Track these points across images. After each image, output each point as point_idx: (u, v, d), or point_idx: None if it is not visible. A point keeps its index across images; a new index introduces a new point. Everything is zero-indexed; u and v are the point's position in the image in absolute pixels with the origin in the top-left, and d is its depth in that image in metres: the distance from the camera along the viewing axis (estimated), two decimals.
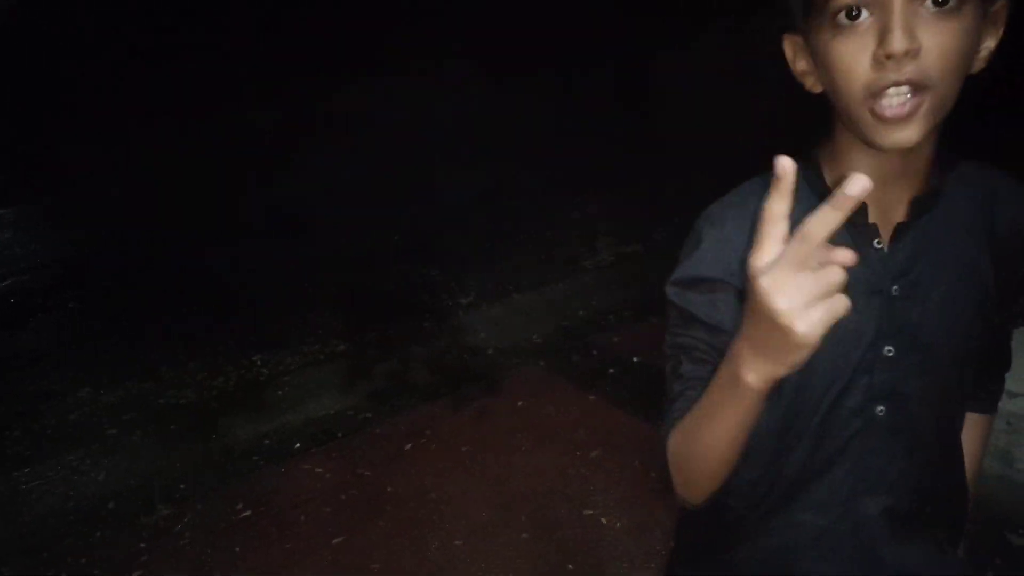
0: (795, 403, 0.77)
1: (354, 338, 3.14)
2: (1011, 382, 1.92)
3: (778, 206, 0.57)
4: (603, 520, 2.06)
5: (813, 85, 0.73)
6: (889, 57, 0.61)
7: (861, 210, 0.73)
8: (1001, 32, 0.69)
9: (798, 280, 0.55)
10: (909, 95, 0.63)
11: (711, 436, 0.70)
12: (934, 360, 0.76)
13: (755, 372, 0.61)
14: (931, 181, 0.74)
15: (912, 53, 0.61)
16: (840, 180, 0.71)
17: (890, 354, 0.75)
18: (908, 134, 0.65)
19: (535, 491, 2.18)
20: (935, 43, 0.62)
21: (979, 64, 0.68)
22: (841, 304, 0.55)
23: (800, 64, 0.73)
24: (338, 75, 6.69)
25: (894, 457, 0.78)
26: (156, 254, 4.17)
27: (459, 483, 2.25)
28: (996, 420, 1.90)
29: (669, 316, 0.79)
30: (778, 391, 0.73)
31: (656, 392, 0.84)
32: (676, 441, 0.75)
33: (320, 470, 2.39)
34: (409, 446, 2.44)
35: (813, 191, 0.75)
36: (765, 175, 0.77)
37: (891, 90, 0.63)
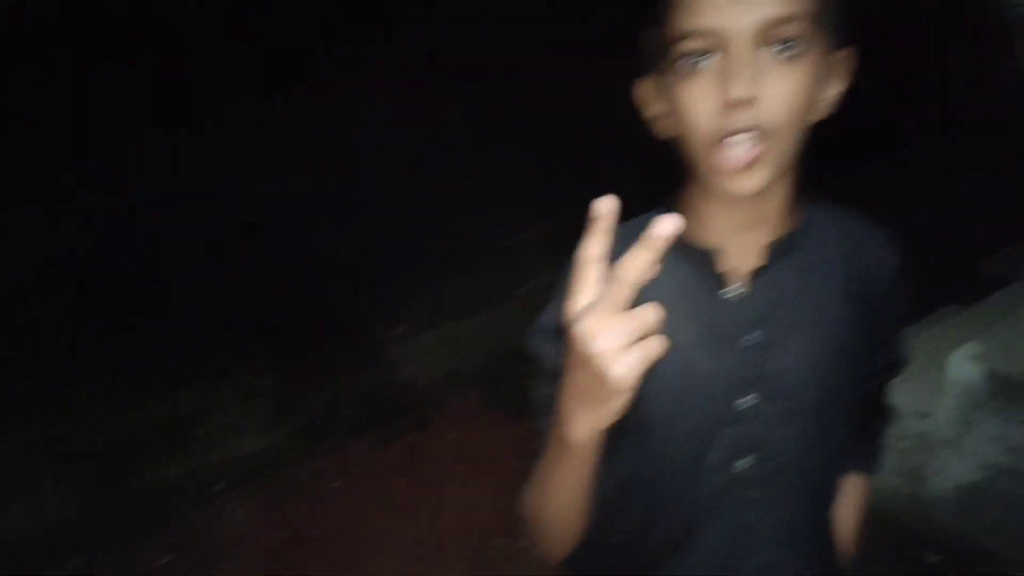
0: (661, 457, 0.75)
1: (281, 372, 3.05)
2: (921, 402, 1.99)
3: (592, 249, 0.55)
4: None
5: (663, 132, 0.72)
6: (732, 103, 0.61)
7: (714, 257, 0.72)
8: (846, 79, 0.69)
9: (613, 323, 0.53)
10: (752, 142, 0.62)
11: (553, 494, 0.70)
12: (798, 410, 0.74)
13: (578, 426, 0.60)
14: (787, 227, 0.73)
15: (753, 100, 0.61)
16: (695, 227, 0.73)
17: (753, 404, 0.73)
18: (751, 182, 0.64)
19: (469, 526, 2.14)
20: (777, 90, 0.62)
21: (823, 111, 0.68)
22: (657, 346, 0.54)
23: (652, 109, 0.72)
24: (262, 96, 6.58)
25: (766, 510, 0.76)
26: (67, 280, 3.98)
27: (390, 521, 2.19)
28: (907, 440, 1.97)
29: (532, 367, 0.78)
30: (617, 445, 0.71)
31: None
32: (527, 498, 0.75)
33: (245, 511, 2.30)
34: (338, 483, 2.38)
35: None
36: (642, 218, 0.76)
37: (733, 137, 0.63)
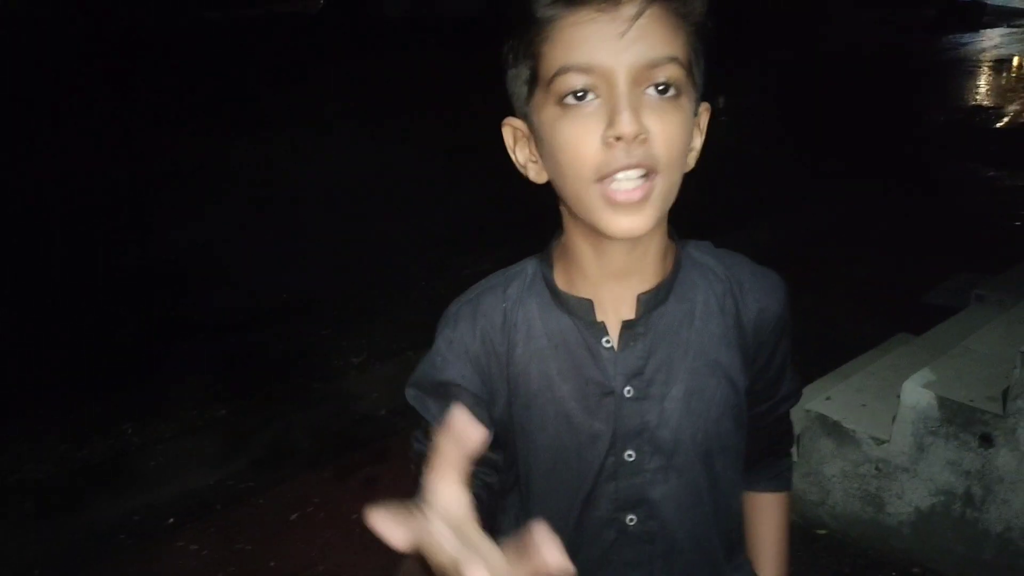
0: (546, 510, 0.73)
1: (235, 403, 2.97)
2: (877, 429, 2.03)
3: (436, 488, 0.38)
4: None
5: (537, 175, 0.70)
6: (619, 139, 0.60)
7: (589, 307, 0.71)
8: (703, 136, 0.70)
9: None
10: (639, 179, 0.61)
11: None
12: (679, 463, 0.72)
13: None
14: (660, 275, 0.72)
15: (641, 137, 0.60)
16: (573, 276, 0.71)
17: (631, 459, 0.72)
18: (640, 220, 0.63)
19: None
20: (660, 128, 0.61)
21: (689, 163, 0.68)
22: None
23: (522, 153, 0.70)
24: (218, 131, 6.52)
25: (653, 569, 0.74)
26: (11, 311, 3.83)
27: (348, 555, 2.13)
28: (866, 466, 2.00)
29: (420, 409, 0.75)
30: (504, 503, 0.72)
31: None
32: None
33: (196, 546, 2.21)
34: (294, 516, 2.30)
35: (547, 287, 0.73)
36: (508, 269, 0.77)
37: (621, 174, 0.61)
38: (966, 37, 12.57)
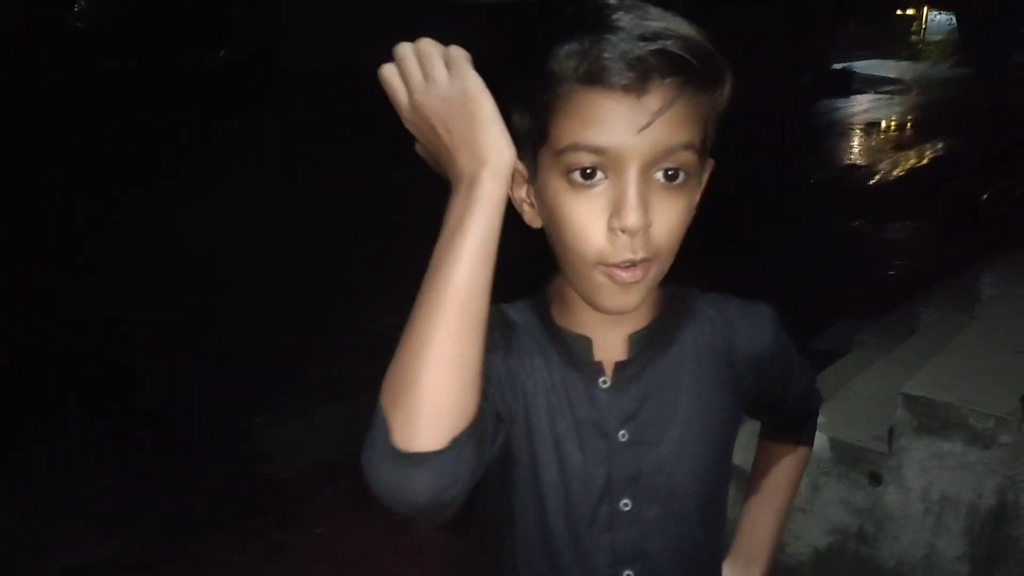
0: (545, 558, 0.72)
1: (125, 469, 2.79)
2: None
3: None
4: None
5: (532, 219, 0.69)
6: (624, 231, 0.60)
7: (587, 346, 0.71)
8: (703, 188, 0.70)
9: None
10: (640, 264, 0.63)
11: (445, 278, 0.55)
12: (676, 511, 0.72)
13: (466, 163, 0.55)
14: (651, 316, 0.72)
15: (645, 228, 0.61)
16: (568, 314, 0.71)
17: (627, 508, 0.70)
18: (634, 299, 0.64)
19: None
20: (664, 217, 0.62)
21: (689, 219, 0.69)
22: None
23: (519, 192, 0.69)
24: (117, 177, 6.25)
25: None
26: None
27: None
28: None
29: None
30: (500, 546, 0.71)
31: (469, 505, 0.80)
32: (400, 355, 0.57)
33: None
34: None
35: (543, 325, 0.73)
36: (517, 304, 0.75)
37: (626, 264, 0.62)
38: (839, 102, 13.63)
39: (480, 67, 0.57)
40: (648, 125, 0.59)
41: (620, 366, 0.71)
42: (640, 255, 0.61)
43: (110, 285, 4.39)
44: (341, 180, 6.62)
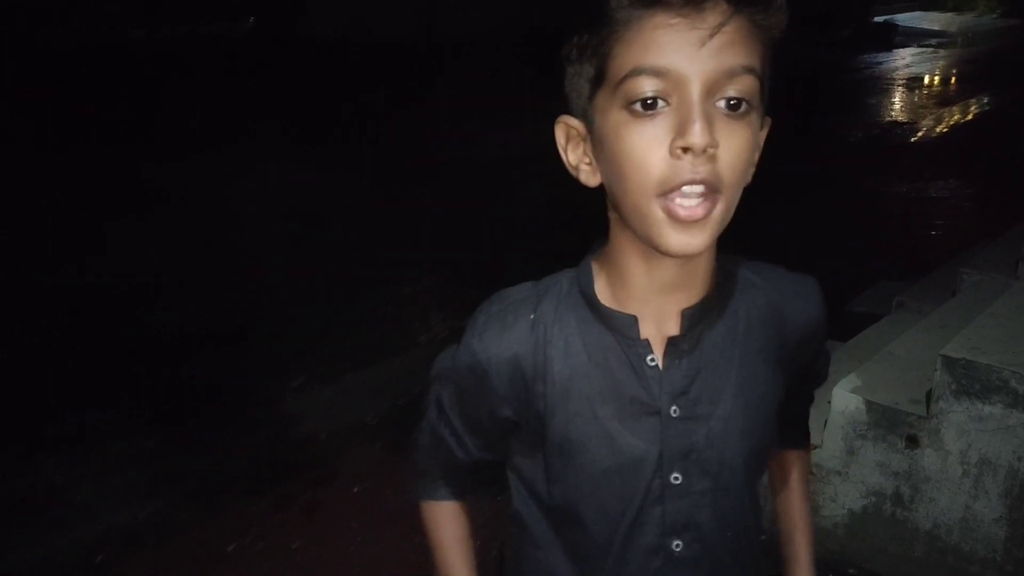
0: (591, 537, 0.72)
1: (166, 433, 2.86)
2: (812, 435, 2.08)
3: None
4: None
5: (589, 177, 0.67)
6: (687, 150, 0.58)
7: (633, 324, 0.69)
8: (760, 149, 0.68)
9: None
10: (701, 197, 0.59)
11: None
12: (726, 484, 0.71)
13: None
14: (705, 290, 0.70)
15: (711, 149, 0.58)
16: (616, 290, 0.69)
17: (678, 482, 0.70)
18: (699, 239, 0.61)
19: None
20: (728, 144, 0.59)
21: (747, 178, 0.67)
22: None
23: (575, 153, 0.67)
24: (144, 153, 6.32)
25: None
26: None
27: None
28: None
29: (433, 400, 0.78)
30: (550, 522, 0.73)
31: (503, 466, 0.81)
32: None
33: None
34: (231, 548, 2.23)
35: (585, 302, 0.71)
36: (539, 283, 0.75)
37: (685, 188, 0.59)
38: (880, 56, 13.22)
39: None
40: (709, 39, 0.57)
41: (672, 341, 0.69)
42: (702, 175, 0.58)
43: (148, 256, 4.47)
44: (360, 150, 6.63)
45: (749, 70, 0.59)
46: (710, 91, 0.58)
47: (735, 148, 0.60)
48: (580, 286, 0.71)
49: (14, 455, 2.73)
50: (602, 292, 0.71)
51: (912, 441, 1.86)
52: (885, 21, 14.81)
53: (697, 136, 0.57)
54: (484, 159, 5.97)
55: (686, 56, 0.58)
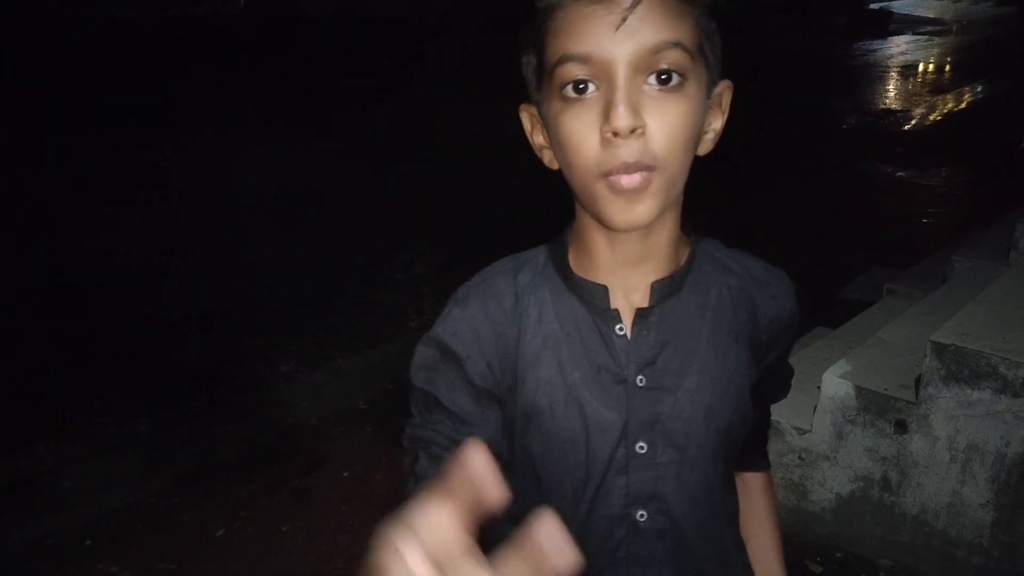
0: (556, 503, 0.71)
1: (155, 417, 2.85)
2: (800, 419, 2.09)
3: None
4: None
5: (551, 161, 0.69)
6: (616, 134, 0.59)
7: (603, 294, 0.70)
8: (726, 114, 0.69)
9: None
10: (636, 174, 0.60)
11: None
12: (691, 456, 0.71)
13: None
14: (674, 265, 0.71)
15: (638, 131, 0.59)
16: (585, 261, 0.71)
17: (643, 451, 0.70)
18: (640, 210, 0.62)
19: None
20: (660, 122, 0.60)
21: (706, 146, 0.68)
22: None
23: (537, 138, 0.70)
24: (133, 135, 6.27)
25: (663, 567, 0.73)
26: None
27: (278, 568, 2.07)
28: (790, 455, 2.07)
29: (412, 404, 0.74)
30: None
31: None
32: None
33: (116, 568, 2.11)
34: (220, 532, 2.23)
35: (559, 273, 0.73)
36: (517, 256, 0.76)
37: (621, 170, 0.60)
38: (875, 43, 13.19)
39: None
40: (622, 22, 0.58)
41: (641, 312, 0.70)
42: (634, 159, 0.60)
43: (139, 239, 4.44)
44: (351, 131, 6.59)
45: (675, 44, 0.60)
46: (636, 70, 0.60)
47: (669, 123, 0.61)
48: (554, 258, 0.74)
49: (4, 440, 2.72)
50: (574, 264, 0.73)
51: (901, 426, 1.86)
52: (880, 8, 14.77)
53: (622, 119, 0.58)
54: (479, 142, 5.95)
55: (607, 40, 0.59)
